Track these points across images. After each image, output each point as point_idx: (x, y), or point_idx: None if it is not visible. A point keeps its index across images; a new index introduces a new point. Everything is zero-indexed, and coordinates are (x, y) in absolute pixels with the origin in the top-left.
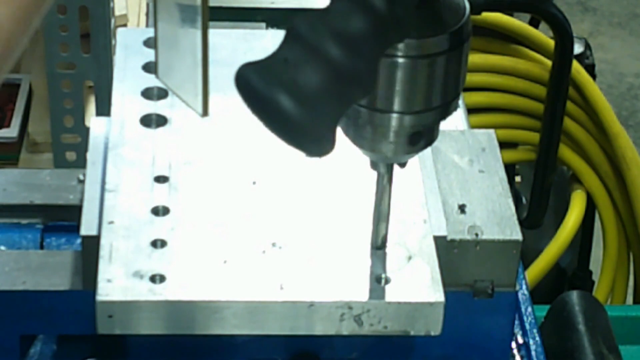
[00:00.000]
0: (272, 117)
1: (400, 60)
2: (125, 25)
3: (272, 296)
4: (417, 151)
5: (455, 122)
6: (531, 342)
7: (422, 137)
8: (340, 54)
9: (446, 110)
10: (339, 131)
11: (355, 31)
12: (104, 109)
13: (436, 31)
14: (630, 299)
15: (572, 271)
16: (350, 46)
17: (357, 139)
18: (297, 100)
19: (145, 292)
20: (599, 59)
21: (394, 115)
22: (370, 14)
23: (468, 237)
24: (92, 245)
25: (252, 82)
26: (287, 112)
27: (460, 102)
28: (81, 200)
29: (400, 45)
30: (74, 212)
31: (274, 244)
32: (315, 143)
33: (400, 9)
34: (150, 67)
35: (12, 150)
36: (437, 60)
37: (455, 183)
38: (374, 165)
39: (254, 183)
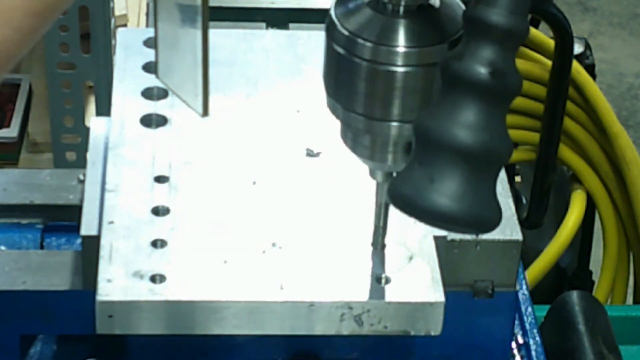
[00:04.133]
0: (435, 220)
1: (400, 69)
2: (125, 25)
3: (272, 296)
4: None
5: None
6: (531, 342)
7: None
8: (468, 140)
9: None
10: (339, 133)
11: (473, 112)
12: (104, 109)
13: (435, 40)
14: (630, 299)
15: (572, 271)
16: (474, 128)
17: (356, 147)
18: (451, 199)
19: (145, 292)
20: (599, 59)
21: (393, 124)
22: (481, 92)
23: (468, 237)
24: (92, 245)
25: (407, 196)
26: (446, 213)
27: None
28: (81, 200)
29: (400, 55)
30: (74, 212)
31: (274, 244)
32: (481, 225)
33: (506, 75)
34: (150, 67)
35: (12, 150)
36: (436, 69)
37: None
38: (372, 173)
39: (254, 183)
